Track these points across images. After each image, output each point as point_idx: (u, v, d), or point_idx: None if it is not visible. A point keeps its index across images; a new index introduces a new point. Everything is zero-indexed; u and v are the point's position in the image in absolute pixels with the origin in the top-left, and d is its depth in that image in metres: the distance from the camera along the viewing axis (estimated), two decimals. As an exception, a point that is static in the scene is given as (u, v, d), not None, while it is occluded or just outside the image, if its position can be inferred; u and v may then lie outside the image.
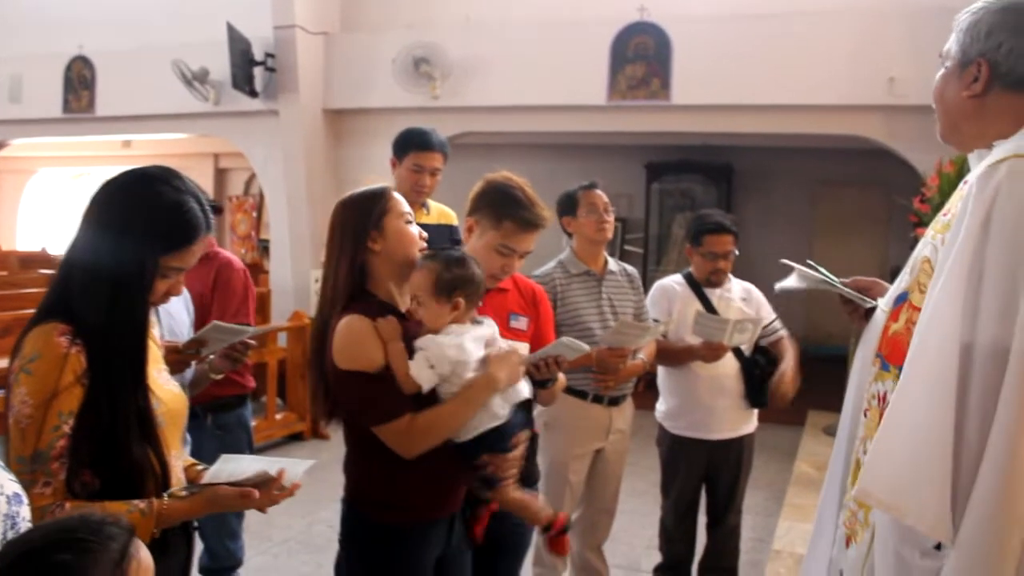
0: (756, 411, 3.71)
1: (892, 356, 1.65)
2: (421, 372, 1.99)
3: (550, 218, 2.56)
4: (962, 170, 5.46)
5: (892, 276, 4.47)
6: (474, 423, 2.05)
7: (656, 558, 3.88)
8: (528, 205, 2.46)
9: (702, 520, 3.79)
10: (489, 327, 2.18)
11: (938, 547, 1.46)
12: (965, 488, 1.42)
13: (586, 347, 2.48)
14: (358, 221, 2.14)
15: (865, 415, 1.71)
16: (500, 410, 2.07)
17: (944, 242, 1.55)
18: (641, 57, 7.15)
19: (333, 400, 2.16)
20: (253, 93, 7.70)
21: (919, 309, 1.58)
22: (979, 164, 1.60)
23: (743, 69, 6.76)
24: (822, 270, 1.99)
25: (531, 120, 7.78)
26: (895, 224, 9.34)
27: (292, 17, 7.56)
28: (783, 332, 3.79)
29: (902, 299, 1.68)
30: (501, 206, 2.46)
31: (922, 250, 1.65)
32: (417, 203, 3.42)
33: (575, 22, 7.25)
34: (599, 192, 3.39)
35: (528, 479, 2.66)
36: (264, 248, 10.81)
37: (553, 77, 7.25)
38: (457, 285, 2.07)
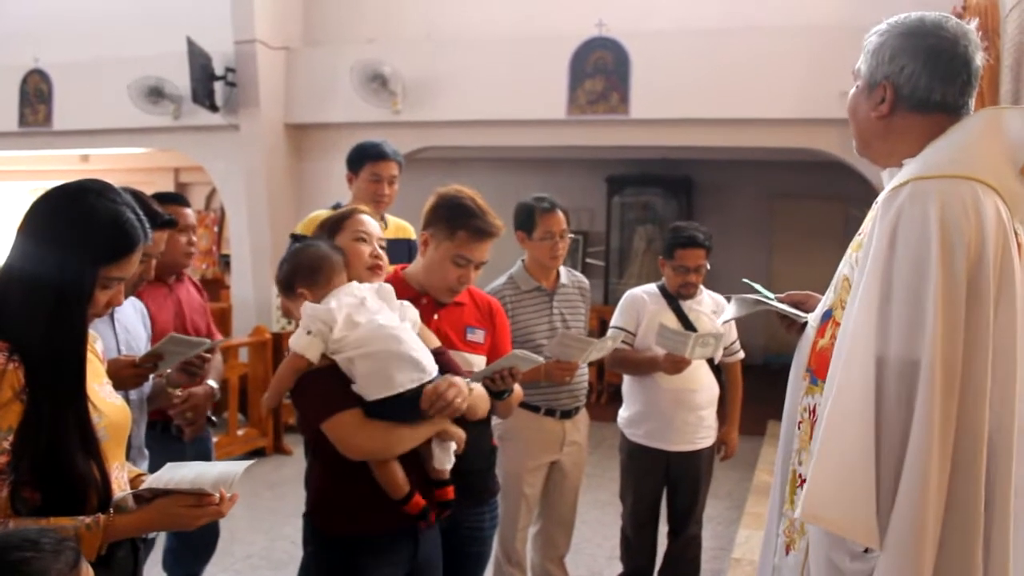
0: (716, 424, 3.75)
1: (820, 371, 1.71)
2: (299, 340, 2.07)
3: (502, 227, 2.59)
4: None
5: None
6: (373, 389, 2.07)
7: (618, 568, 3.90)
8: (480, 214, 2.49)
9: (663, 529, 3.82)
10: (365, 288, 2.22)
11: (866, 551, 1.52)
12: (889, 495, 1.48)
13: (539, 359, 2.51)
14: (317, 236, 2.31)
15: (799, 428, 1.76)
16: (400, 377, 2.07)
17: (858, 261, 1.62)
18: (600, 72, 7.22)
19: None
20: (214, 108, 7.67)
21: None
22: (889, 183, 1.68)
23: (701, 84, 6.86)
24: (758, 287, 2.04)
25: (491, 135, 7.81)
26: (851, 236, 9.47)
27: (253, 32, 7.55)
28: (740, 355, 3.85)
29: (827, 316, 1.74)
30: (454, 217, 2.49)
31: (842, 268, 1.73)
32: (377, 215, 3.43)
33: (535, 37, 7.32)
34: (559, 215, 3.35)
35: (487, 491, 2.69)
36: (225, 263, 10.73)
37: (513, 92, 7.30)
38: (291, 280, 2.18)
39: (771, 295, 1.98)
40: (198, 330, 3.31)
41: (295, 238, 2.31)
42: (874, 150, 1.76)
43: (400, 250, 3.20)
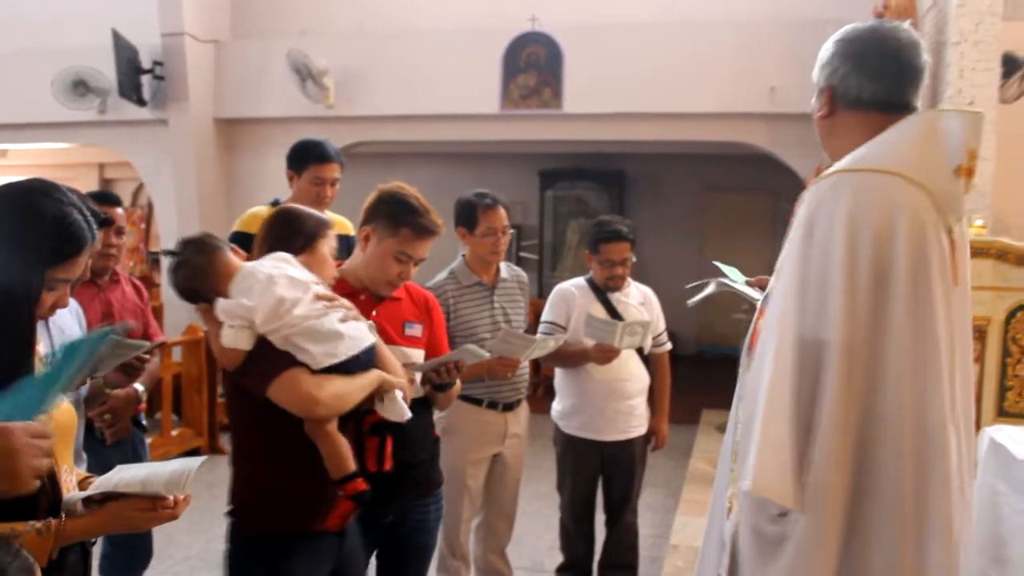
0: (648, 414, 3.83)
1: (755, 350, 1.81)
2: (225, 334, 2.04)
3: (444, 225, 2.61)
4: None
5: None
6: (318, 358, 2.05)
7: (559, 558, 3.95)
8: (423, 212, 2.51)
9: (601, 519, 3.88)
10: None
11: (783, 514, 1.62)
12: (806, 461, 1.60)
13: (486, 354, 2.54)
14: (298, 232, 2.25)
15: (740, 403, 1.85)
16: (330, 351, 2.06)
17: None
18: (533, 67, 7.27)
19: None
20: (141, 102, 7.51)
21: None
22: None
23: (633, 78, 6.96)
24: (728, 271, 2.12)
25: (426, 129, 7.81)
26: (780, 227, 9.72)
27: (181, 24, 7.41)
28: (668, 346, 3.93)
29: (768, 299, 1.81)
30: (397, 214, 2.50)
31: (781, 255, 1.79)
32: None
33: (468, 31, 7.33)
34: (501, 212, 3.37)
35: (431, 483, 2.71)
36: (154, 260, 10.51)
37: (447, 86, 7.31)
38: (189, 293, 2.12)
39: (741, 278, 2.06)
40: (131, 332, 3.25)
41: (236, 236, 2.29)
42: (828, 149, 1.86)
43: (339, 246, 3.18)
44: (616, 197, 10.83)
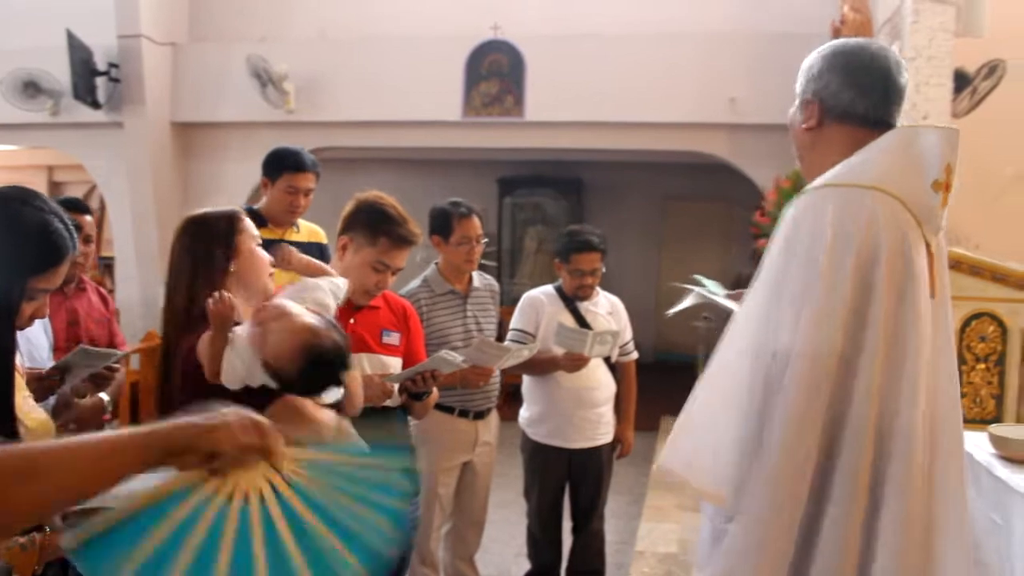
0: (614, 421, 3.86)
1: None
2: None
3: (421, 235, 2.63)
4: (796, 186, 5.87)
5: (735, 284, 4.72)
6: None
7: (526, 565, 3.97)
8: (402, 222, 2.53)
9: (567, 526, 3.90)
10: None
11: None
12: (748, 467, 1.65)
13: (462, 361, 2.55)
14: (214, 240, 2.04)
15: None
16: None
17: None
18: (495, 74, 7.30)
19: None
20: (96, 104, 7.37)
21: None
22: None
23: (594, 88, 7.02)
24: (707, 283, 2.15)
25: (387, 136, 7.79)
26: (737, 236, 9.87)
27: (137, 26, 7.30)
28: (635, 355, 3.97)
29: None
30: (376, 224, 2.51)
31: None
32: (289, 223, 3.42)
33: (430, 39, 7.33)
34: (475, 221, 3.40)
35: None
36: (106, 266, 10.30)
37: (409, 93, 7.30)
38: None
39: (720, 291, 2.09)
40: (95, 340, 3.20)
41: None
42: (806, 162, 1.88)
43: (312, 254, 3.17)
44: (575, 204, 10.89)
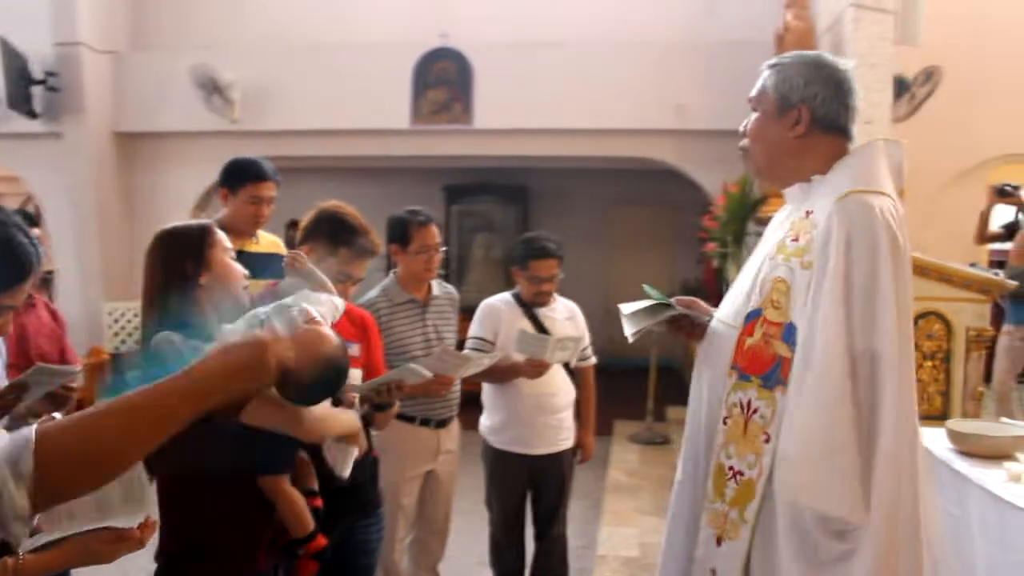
0: (574, 426, 3.88)
1: (751, 367, 1.87)
2: None
3: (382, 245, 2.62)
4: (744, 192, 5.97)
5: (682, 289, 4.78)
6: None
7: (488, 572, 3.95)
8: (363, 233, 2.52)
9: (529, 532, 3.90)
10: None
11: (843, 530, 1.69)
12: (867, 472, 1.68)
13: (428, 374, 2.54)
14: (186, 253, 2.05)
15: (725, 423, 1.90)
16: None
17: (803, 265, 1.81)
18: (443, 82, 7.31)
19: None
20: (32, 114, 7.19)
21: (776, 324, 1.83)
22: (804, 196, 1.91)
23: (542, 95, 7.07)
24: (654, 293, 2.14)
25: (335, 144, 7.73)
26: (683, 240, 9.99)
27: (76, 34, 7.16)
28: (593, 360, 4.00)
29: (755, 315, 1.88)
30: (337, 234, 2.50)
31: (772, 272, 1.87)
32: (250, 233, 3.36)
33: (378, 46, 7.30)
34: (433, 229, 3.40)
35: (372, 503, 2.69)
36: (44, 281, 10.03)
37: (356, 101, 7.27)
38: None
39: (669, 300, 2.09)
40: (45, 356, 3.13)
41: None
42: (782, 167, 1.95)
43: (273, 265, 3.13)
44: (521, 211, 10.92)
